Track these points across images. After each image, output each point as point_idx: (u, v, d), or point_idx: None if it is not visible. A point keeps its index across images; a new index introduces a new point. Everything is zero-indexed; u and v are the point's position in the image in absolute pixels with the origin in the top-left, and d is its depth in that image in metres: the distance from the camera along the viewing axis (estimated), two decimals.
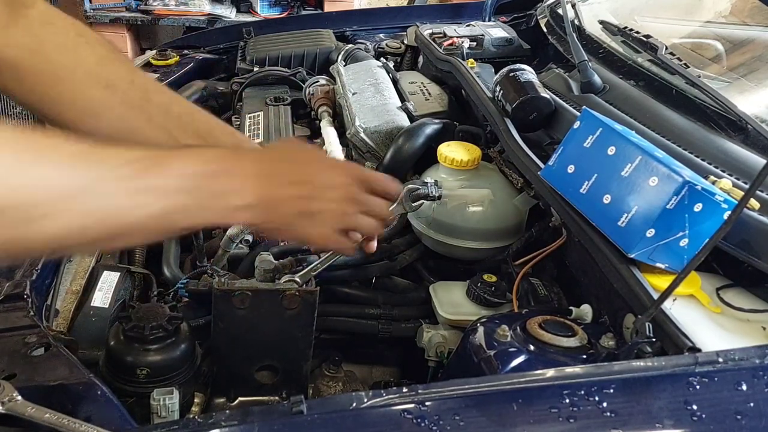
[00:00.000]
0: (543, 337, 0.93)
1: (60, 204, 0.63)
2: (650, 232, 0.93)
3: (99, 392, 0.81)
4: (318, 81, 1.80)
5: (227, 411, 0.72)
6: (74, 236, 0.66)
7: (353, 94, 1.63)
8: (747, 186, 0.95)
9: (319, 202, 0.84)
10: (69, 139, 0.67)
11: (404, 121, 1.52)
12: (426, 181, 1.30)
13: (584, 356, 0.91)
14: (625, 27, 1.50)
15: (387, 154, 1.45)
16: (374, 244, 0.95)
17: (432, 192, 1.28)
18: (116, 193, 0.66)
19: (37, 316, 0.99)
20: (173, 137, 0.98)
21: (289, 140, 0.89)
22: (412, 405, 0.73)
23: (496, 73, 1.45)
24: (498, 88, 1.38)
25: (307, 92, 1.78)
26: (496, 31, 1.82)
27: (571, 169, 1.06)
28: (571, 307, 1.06)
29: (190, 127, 1.00)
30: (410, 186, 1.09)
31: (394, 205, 1.04)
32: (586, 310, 1.04)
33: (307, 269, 1.05)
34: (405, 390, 0.73)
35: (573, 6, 1.65)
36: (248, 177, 0.79)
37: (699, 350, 0.80)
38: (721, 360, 0.77)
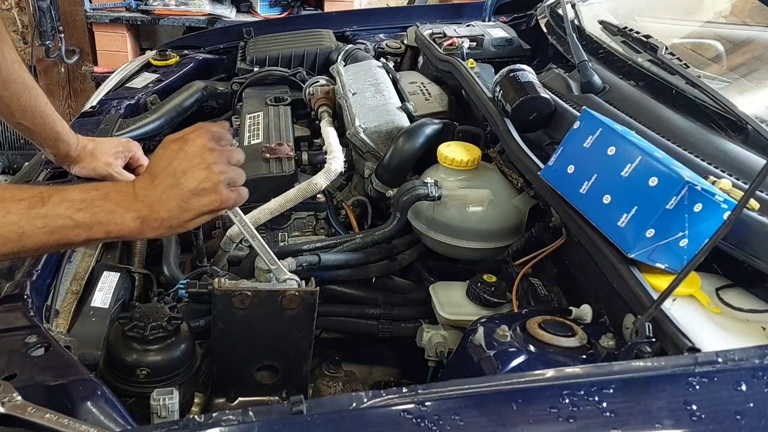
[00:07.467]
0: (543, 337, 0.93)
1: None
2: (650, 233, 0.93)
3: (99, 392, 0.81)
4: (318, 81, 1.80)
5: (227, 411, 0.71)
6: None
7: (353, 94, 1.63)
8: (747, 186, 0.95)
9: (187, 180, 0.89)
10: None
11: (404, 121, 1.52)
12: (426, 181, 1.30)
13: (584, 356, 0.91)
14: (625, 27, 1.50)
15: (387, 154, 1.45)
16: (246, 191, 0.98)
17: (432, 192, 1.28)
18: (19, 220, 0.84)
19: (37, 316, 0.99)
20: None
21: (163, 146, 0.94)
22: (412, 405, 0.73)
23: (496, 73, 1.45)
24: (498, 89, 1.38)
25: (307, 92, 1.78)
26: (496, 31, 1.82)
27: (571, 169, 1.06)
28: (571, 307, 1.06)
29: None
30: None
31: None
32: (586, 310, 1.04)
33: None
34: (405, 390, 0.74)
35: (573, 6, 1.65)
36: (127, 194, 0.90)
37: (698, 350, 0.80)
38: (720, 360, 0.77)
